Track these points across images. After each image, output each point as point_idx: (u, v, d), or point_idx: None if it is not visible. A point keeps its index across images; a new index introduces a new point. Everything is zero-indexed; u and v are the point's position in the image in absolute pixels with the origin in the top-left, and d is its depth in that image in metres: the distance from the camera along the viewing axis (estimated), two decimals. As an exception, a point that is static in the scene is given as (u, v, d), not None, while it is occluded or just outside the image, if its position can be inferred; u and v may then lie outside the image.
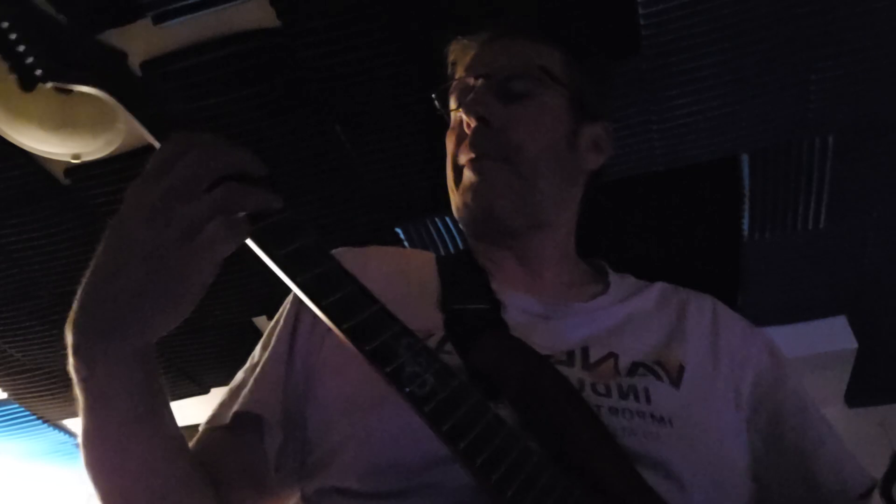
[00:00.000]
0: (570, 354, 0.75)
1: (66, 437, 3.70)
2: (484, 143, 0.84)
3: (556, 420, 0.65)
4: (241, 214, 0.57)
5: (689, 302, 0.88)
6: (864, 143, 1.99)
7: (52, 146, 1.89)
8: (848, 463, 0.81)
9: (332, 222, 2.25)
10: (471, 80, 0.88)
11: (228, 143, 0.61)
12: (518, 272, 0.87)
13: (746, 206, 2.18)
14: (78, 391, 0.62)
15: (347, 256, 0.86)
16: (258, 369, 0.81)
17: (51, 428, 3.51)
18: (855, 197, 2.16)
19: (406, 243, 2.32)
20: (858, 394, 3.04)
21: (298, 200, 2.16)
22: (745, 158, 2.06)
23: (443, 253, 2.36)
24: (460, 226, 0.92)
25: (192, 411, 3.57)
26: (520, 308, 0.80)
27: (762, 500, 0.77)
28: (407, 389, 0.55)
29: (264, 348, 0.85)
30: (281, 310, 0.89)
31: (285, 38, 1.74)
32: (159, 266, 0.54)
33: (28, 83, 0.68)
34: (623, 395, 0.71)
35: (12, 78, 0.68)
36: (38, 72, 0.66)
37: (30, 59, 0.67)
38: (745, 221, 2.23)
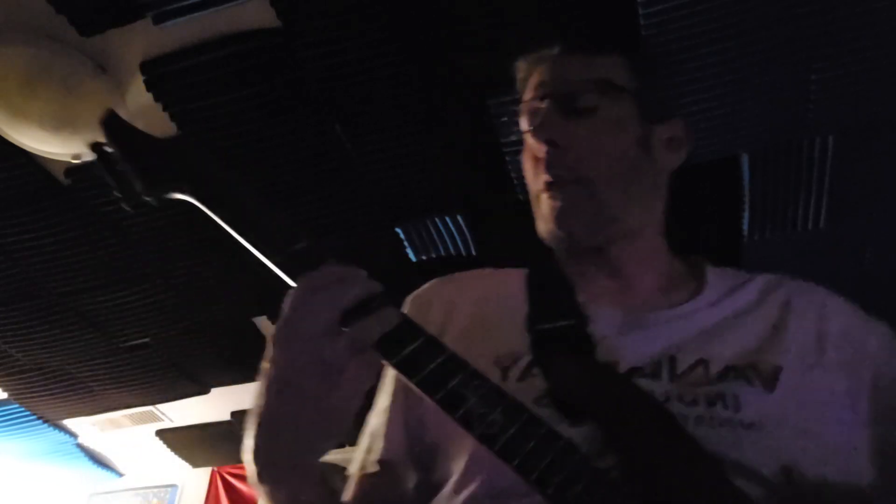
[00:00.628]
0: (657, 365, 0.74)
1: (66, 437, 3.70)
2: (556, 167, 0.85)
3: (639, 438, 0.65)
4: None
5: (794, 295, 0.85)
6: (864, 143, 2.00)
7: (53, 146, 1.90)
8: None
9: (332, 222, 2.25)
10: (538, 103, 0.89)
11: (347, 274, 0.66)
12: (606, 283, 0.87)
13: (746, 206, 2.19)
14: None
15: (436, 290, 0.91)
16: (385, 413, 0.86)
17: (51, 428, 3.51)
18: (855, 197, 2.16)
19: (406, 243, 2.32)
20: (858, 394, 3.04)
21: (298, 200, 2.16)
22: (745, 158, 2.06)
23: (442, 253, 2.37)
24: (551, 246, 0.92)
25: (192, 411, 3.58)
26: (606, 321, 0.79)
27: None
28: (477, 432, 0.60)
29: (385, 393, 0.88)
30: None
31: (285, 38, 1.74)
32: (322, 406, 0.63)
33: (131, 202, 0.80)
34: (711, 403, 0.70)
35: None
36: (138, 187, 0.78)
37: (132, 178, 0.79)
38: (745, 221, 2.23)
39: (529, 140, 0.89)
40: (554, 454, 0.59)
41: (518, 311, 0.82)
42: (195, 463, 4.14)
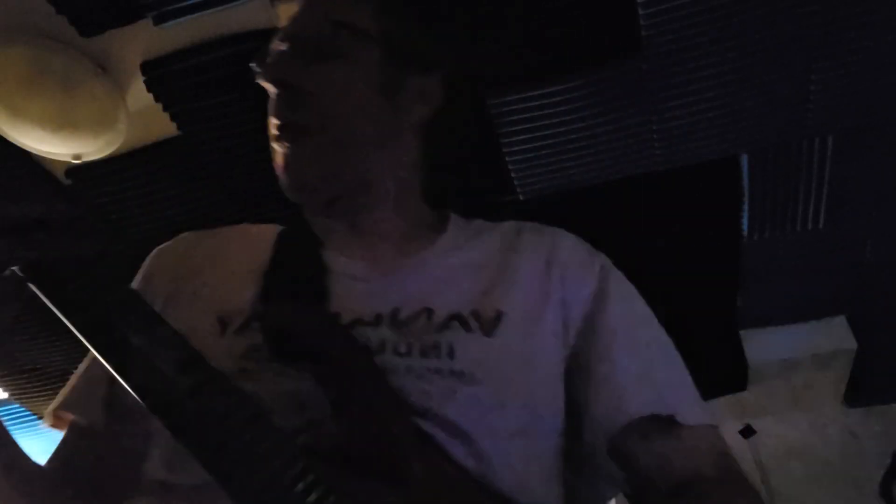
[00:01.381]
0: (378, 316, 0.73)
1: (66, 437, 3.70)
2: (287, 112, 0.80)
3: (342, 385, 0.62)
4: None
5: (523, 238, 0.85)
6: (864, 143, 2.00)
7: (53, 146, 1.90)
8: (641, 384, 0.75)
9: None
10: (277, 44, 0.85)
11: None
12: (348, 236, 0.83)
13: (746, 206, 2.19)
14: None
15: (182, 244, 0.87)
16: (82, 371, 0.84)
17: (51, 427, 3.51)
18: (855, 196, 2.16)
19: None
20: (858, 394, 3.04)
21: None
22: (744, 158, 2.06)
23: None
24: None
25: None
26: (344, 273, 0.77)
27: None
28: (132, 383, 0.54)
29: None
30: None
31: (285, 38, 1.74)
32: None
33: None
34: (424, 353, 0.69)
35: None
36: None
37: None
38: (745, 221, 2.23)
39: (262, 82, 0.84)
40: (232, 420, 0.54)
41: (258, 267, 0.78)
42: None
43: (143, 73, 1.83)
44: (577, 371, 0.76)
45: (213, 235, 0.89)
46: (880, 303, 2.61)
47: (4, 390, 3.14)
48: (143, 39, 1.77)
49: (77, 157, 1.96)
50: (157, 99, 1.89)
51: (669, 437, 0.73)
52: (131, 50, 1.81)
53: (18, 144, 1.89)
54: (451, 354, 0.70)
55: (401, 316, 0.73)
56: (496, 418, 0.68)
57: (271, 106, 0.83)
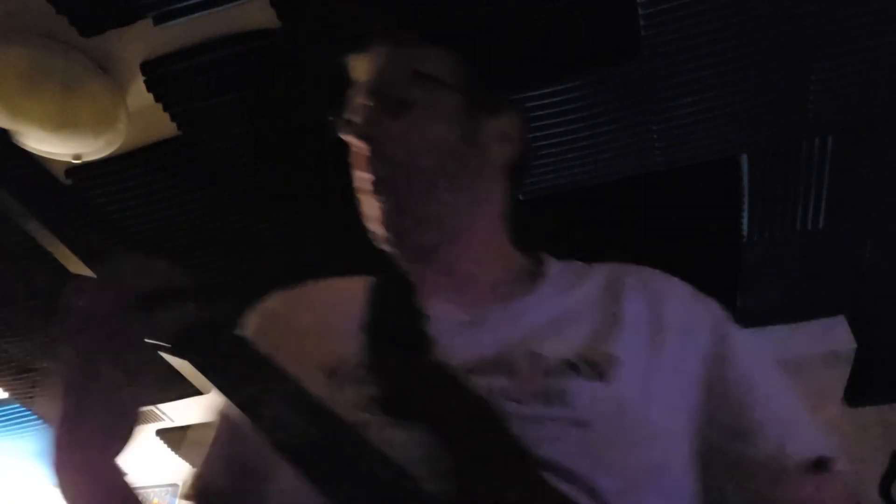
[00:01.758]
0: (492, 364, 0.72)
1: (66, 437, 3.70)
2: (378, 167, 0.82)
3: (464, 436, 0.63)
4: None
5: (628, 282, 0.84)
6: (864, 143, 2.00)
7: (53, 146, 1.90)
8: (798, 427, 0.76)
9: (331, 223, 2.25)
10: (358, 100, 0.87)
11: (140, 264, 0.64)
12: (443, 282, 0.84)
13: (746, 207, 2.19)
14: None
15: (278, 302, 0.89)
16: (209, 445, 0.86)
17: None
18: (855, 197, 2.16)
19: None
20: (858, 394, 3.04)
21: (298, 200, 2.16)
22: (744, 158, 2.06)
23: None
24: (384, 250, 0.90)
25: (191, 411, 3.57)
26: (444, 319, 0.77)
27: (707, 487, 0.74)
28: (273, 438, 0.57)
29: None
30: None
31: (285, 38, 1.74)
32: (112, 402, 0.62)
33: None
34: (543, 401, 0.69)
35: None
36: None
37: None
38: (745, 221, 2.23)
39: (350, 138, 0.86)
40: (362, 465, 0.55)
41: (355, 317, 0.78)
42: (196, 463, 4.13)
43: (143, 73, 1.83)
44: (717, 421, 0.75)
45: (303, 292, 0.90)
46: (880, 303, 2.61)
47: (4, 390, 3.14)
48: (143, 39, 1.77)
49: (77, 157, 1.96)
50: (157, 99, 1.89)
51: (826, 480, 0.73)
52: (131, 50, 1.81)
53: (18, 144, 1.89)
54: (566, 401, 0.69)
55: (510, 362, 0.73)
56: (618, 466, 0.67)
57: (358, 160, 0.85)
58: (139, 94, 1.88)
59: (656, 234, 2.26)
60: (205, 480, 0.84)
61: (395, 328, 0.76)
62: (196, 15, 1.68)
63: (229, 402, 0.61)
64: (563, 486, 0.63)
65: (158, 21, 1.69)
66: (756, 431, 0.74)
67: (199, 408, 3.47)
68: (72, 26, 1.70)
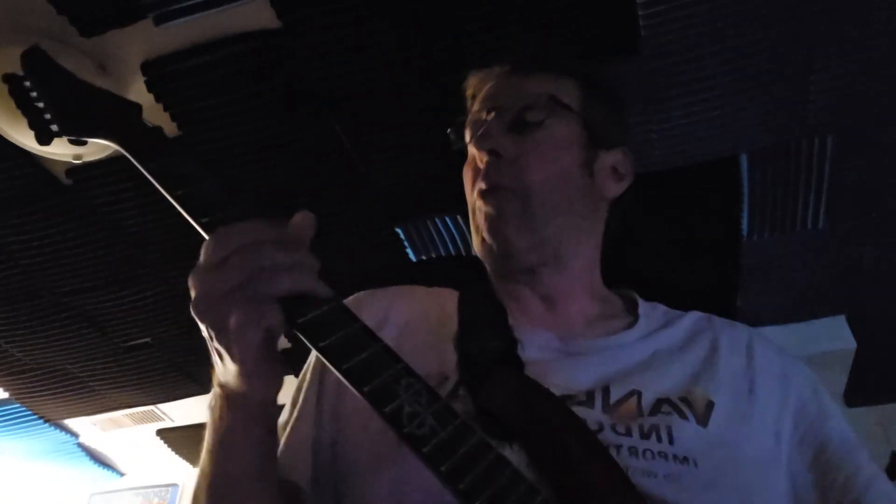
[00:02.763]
0: (590, 394, 0.73)
1: (66, 437, 3.70)
2: (496, 176, 0.84)
3: (567, 462, 0.63)
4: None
5: (723, 333, 0.86)
6: (864, 143, 2.00)
7: (54, 146, 1.89)
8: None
9: (331, 222, 2.25)
10: (483, 115, 0.88)
11: (272, 232, 0.62)
12: (538, 308, 0.85)
13: (745, 207, 2.19)
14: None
15: (370, 299, 0.88)
16: (287, 431, 0.82)
17: (52, 427, 3.51)
18: (855, 197, 2.16)
19: (406, 243, 2.33)
20: (857, 393, 3.04)
21: (298, 201, 2.16)
22: (744, 158, 2.06)
23: (443, 253, 2.38)
24: (484, 264, 0.90)
25: (192, 411, 3.58)
26: (537, 345, 0.78)
27: None
28: (405, 430, 0.54)
29: (293, 406, 0.84)
30: (306, 366, 0.88)
31: (285, 38, 1.74)
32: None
33: (44, 137, 0.78)
34: (644, 436, 0.70)
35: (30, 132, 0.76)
36: (54, 127, 0.75)
37: (47, 116, 0.76)
38: (745, 221, 2.23)
39: (471, 150, 0.87)
40: (485, 465, 0.55)
41: (448, 332, 0.79)
42: (196, 462, 4.13)
43: (143, 73, 1.84)
44: (818, 479, 0.76)
45: (388, 294, 0.90)
46: (880, 303, 2.61)
47: (4, 390, 3.14)
48: (143, 39, 1.77)
49: (77, 157, 1.96)
50: (157, 99, 1.89)
51: None
52: (131, 50, 1.81)
53: (18, 144, 1.90)
54: (670, 439, 0.70)
55: (611, 395, 0.73)
56: (719, 503, 0.68)
57: (478, 172, 0.86)
58: (139, 94, 1.88)
59: (655, 233, 2.26)
60: (291, 469, 0.79)
61: (489, 350, 0.76)
62: (196, 15, 1.68)
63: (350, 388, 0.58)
64: None
65: (159, 21, 1.70)
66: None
67: (200, 408, 3.47)
68: (72, 26, 1.70)
